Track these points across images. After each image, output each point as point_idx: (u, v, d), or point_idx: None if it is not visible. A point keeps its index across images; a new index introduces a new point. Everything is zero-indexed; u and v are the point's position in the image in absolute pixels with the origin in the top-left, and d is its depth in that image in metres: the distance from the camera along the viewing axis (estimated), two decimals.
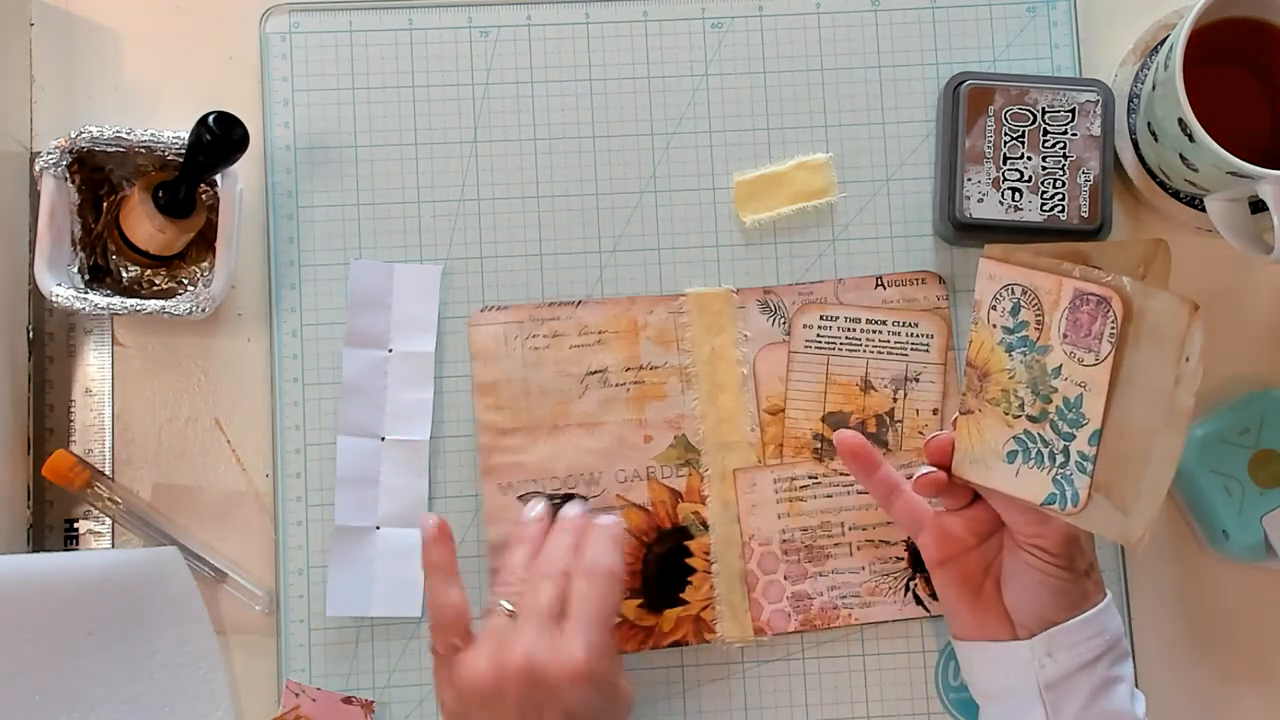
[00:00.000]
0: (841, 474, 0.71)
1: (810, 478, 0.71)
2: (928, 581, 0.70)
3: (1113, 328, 0.55)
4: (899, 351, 0.71)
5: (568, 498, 0.70)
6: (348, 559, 0.70)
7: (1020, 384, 0.58)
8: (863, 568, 0.71)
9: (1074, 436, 0.56)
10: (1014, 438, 0.58)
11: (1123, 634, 0.63)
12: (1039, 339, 0.57)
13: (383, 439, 0.71)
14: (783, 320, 0.72)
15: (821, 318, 0.72)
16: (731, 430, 0.71)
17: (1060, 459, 0.57)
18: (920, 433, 0.71)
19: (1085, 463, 0.56)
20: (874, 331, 0.72)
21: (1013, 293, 0.58)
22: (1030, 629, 0.61)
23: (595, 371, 0.71)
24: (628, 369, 0.71)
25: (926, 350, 0.71)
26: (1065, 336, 0.56)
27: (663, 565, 0.70)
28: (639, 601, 0.70)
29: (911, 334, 0.71)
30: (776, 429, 0.71)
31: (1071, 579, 0.61)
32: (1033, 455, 0.58)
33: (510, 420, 0.71)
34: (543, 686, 0.57)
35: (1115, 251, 0.58)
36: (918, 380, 0.71)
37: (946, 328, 0.72)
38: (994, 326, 0.59)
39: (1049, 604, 0.61)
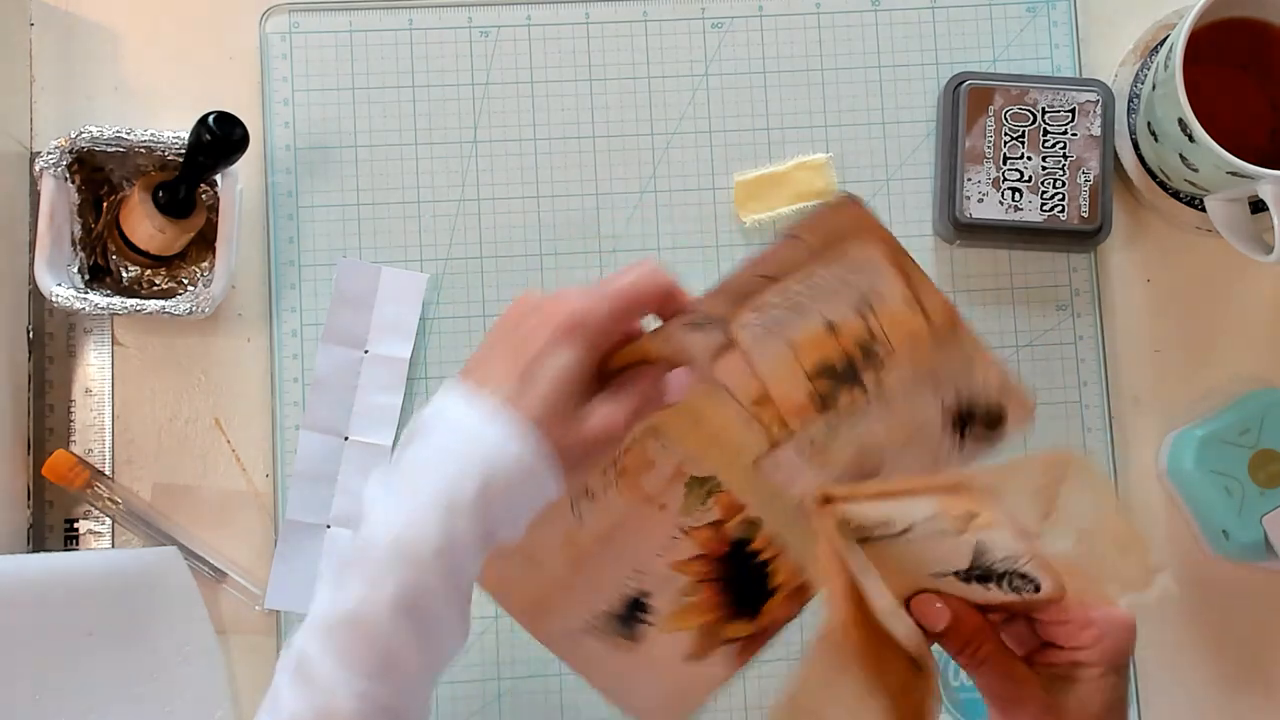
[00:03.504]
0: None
1: (829, 428, 0.62)
2: None
3: None
4: (843, 287, 0.60)
5: (635, 604, 0.63)
6: (293, 554, 0.70)
7: None
8: None
9: None
10: None
11: None
12: None
13: (346, 439, 0.71)
14: (717, 329, 0.62)
15: (753, 311, 0.64)
16: (729, 436, 0.70)
17: None
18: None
19: None
20: (811, 286, 0.61)
21: None
22: None
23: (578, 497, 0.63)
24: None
25: (867, 272, 0.59)
26: None
27: (741, 579, 0.64)
28: (743, 619, 0.64)
29: (850, 267, 0.59)
30: (770, 411, 0.67)
31: None
32: None
33: (529, 595, 0.62)
34: None
35: (1010, 474, 0.53)
36: (879, 295, 0.60)
37: (883, 245, 0.59)
38: None
39: None
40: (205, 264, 0.72)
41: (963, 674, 0.70)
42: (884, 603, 0.51)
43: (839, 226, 0.52)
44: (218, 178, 0.69)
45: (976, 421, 0.55)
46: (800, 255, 0.53)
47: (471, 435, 0.48)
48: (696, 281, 0.72)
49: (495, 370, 0.49)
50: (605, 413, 0.50)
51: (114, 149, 0.69)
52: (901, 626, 0.51)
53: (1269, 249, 0.67)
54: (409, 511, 0.47)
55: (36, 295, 0.71)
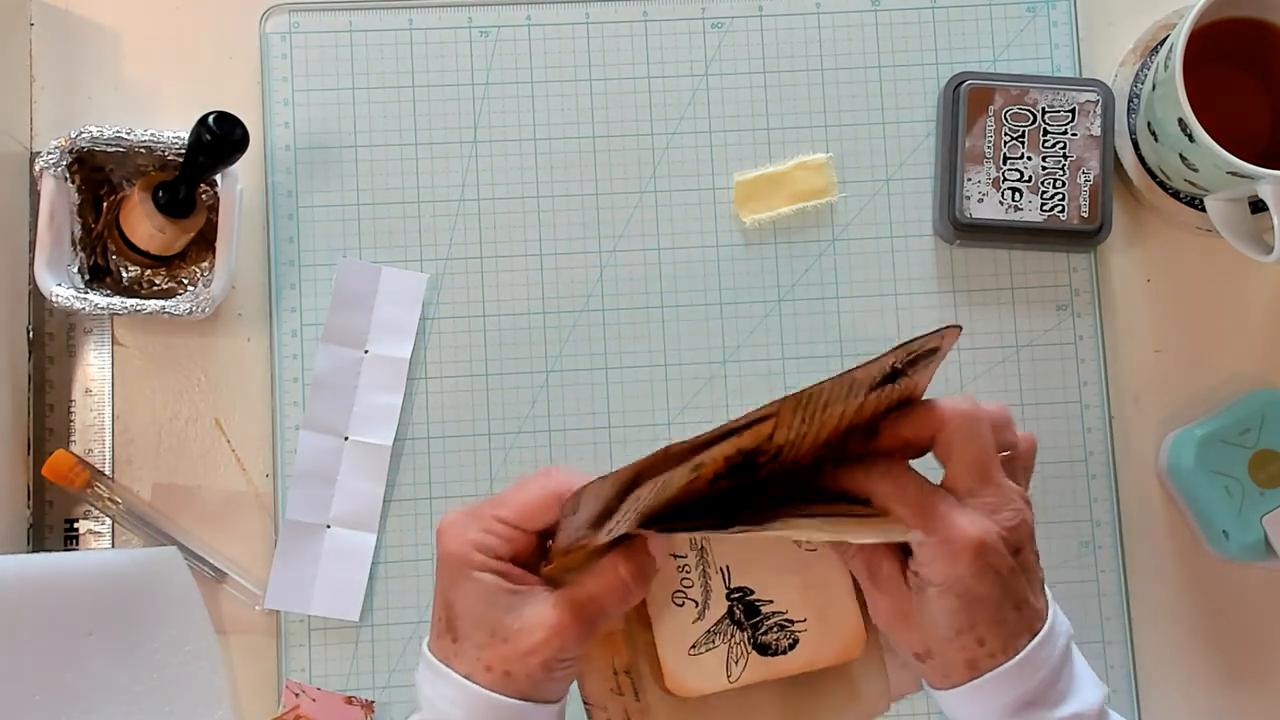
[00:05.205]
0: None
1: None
2: None
3: None
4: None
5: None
6: (293, 554, 0.70)
7: None
8: None
9: None
10: None
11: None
12: None
13: (346, 439, 0.71)
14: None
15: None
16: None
17: None
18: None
19: None
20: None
21: None
22: None
23: None
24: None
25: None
26: None
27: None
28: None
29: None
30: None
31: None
32: None
33: None
34: None
35: None
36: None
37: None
38: None
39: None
40: (205, 264, 0.72)
41: None
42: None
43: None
44: (218, 178, 0.69)
45: (903, 374, 0.52)
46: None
47: (439, 707, 0.53)
48: (696, 281, 0.73)
49: (433, 627, 0.54)
50: (546, 623, 0.52)
51: (114, 149, 0.69)
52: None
53: (1269, 249, 0.67)
54: None
55: (36, 295, 0.71)
